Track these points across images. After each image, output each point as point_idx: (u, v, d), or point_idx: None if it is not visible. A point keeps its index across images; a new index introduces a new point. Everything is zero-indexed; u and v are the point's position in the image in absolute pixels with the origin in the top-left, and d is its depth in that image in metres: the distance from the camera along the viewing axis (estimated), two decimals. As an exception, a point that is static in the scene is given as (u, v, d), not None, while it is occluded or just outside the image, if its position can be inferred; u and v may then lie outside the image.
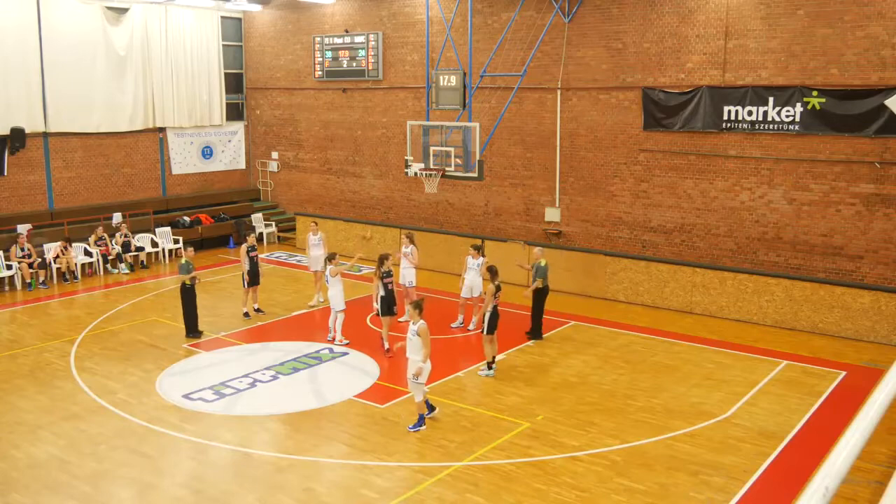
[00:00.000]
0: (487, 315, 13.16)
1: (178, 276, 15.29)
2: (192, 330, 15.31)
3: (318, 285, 17.76)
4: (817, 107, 15.82)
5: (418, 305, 11.05)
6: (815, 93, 15.81)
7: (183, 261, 15.16)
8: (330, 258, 14.96)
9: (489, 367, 13.27)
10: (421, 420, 11.05)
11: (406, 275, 16.22)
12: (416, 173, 17.58)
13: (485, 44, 19.74)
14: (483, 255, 15.90)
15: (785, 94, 16.15)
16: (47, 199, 21.84)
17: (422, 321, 10.88)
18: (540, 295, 15.09)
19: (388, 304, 14.20)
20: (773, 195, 16.70)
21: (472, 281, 15.50)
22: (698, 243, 17.85)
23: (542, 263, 15.07)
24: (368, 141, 23.65)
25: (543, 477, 9.68)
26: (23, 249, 19.32)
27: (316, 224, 18.46)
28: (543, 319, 15.28)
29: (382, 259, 14.31)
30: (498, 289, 13.23)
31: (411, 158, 17.83)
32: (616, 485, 9.50)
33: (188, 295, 15.16)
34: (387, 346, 14.11)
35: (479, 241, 17.08)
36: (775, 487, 9.53)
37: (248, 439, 10.83)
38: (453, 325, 15.89)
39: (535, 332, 15.19)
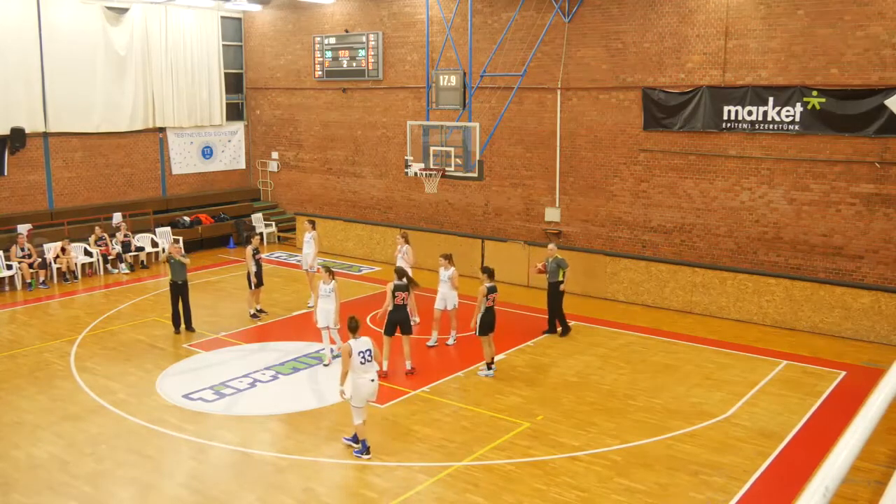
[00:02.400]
0: (479, 316, 13.05)
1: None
2: (188, 325, 15.61)
3: (311, 285, 17.66)
4: (817, 107, 15.81)
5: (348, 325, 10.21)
6: (815, 93, 15.80)
7: (175, 258, 15.30)
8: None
9: (489, 368, 13.26)
10: (364, 446, 10.22)
11: None
12: (416, 173, 17.56)
13: (485, 44, 19.74)
14: (453, 265, 14.52)
15: (785, 94, 16.15)
16: (47, 199, 21.84)
17: (343, 343, 10.11)
18: (553, 289, 15.17)
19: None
20: (773, 195, 16.70)
21: (446, 293, 14.37)
22: (698, 243, 17.84)
23: (558, 256, 15.28)
24: (368, 141, 23.65)
25: (543, 477, 9.68)
26: (23, 249, 19.31)
27: (310, 223, 17.59)
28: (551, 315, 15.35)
29: (401, 276, 13.21)
30: (491, 290, 13.06)
31: (411, 158, 17.81)
32: (616, 485, 9.50)
33: (184, 291, 15.34)
34: (409, 365, 13.30)
35: (448, 251, 15.41)
36: (775, 487, 9.52)
37: (248, 439, 10.83)
38: (428, 343, 14.63)
39: (553, 327, 15.34)
